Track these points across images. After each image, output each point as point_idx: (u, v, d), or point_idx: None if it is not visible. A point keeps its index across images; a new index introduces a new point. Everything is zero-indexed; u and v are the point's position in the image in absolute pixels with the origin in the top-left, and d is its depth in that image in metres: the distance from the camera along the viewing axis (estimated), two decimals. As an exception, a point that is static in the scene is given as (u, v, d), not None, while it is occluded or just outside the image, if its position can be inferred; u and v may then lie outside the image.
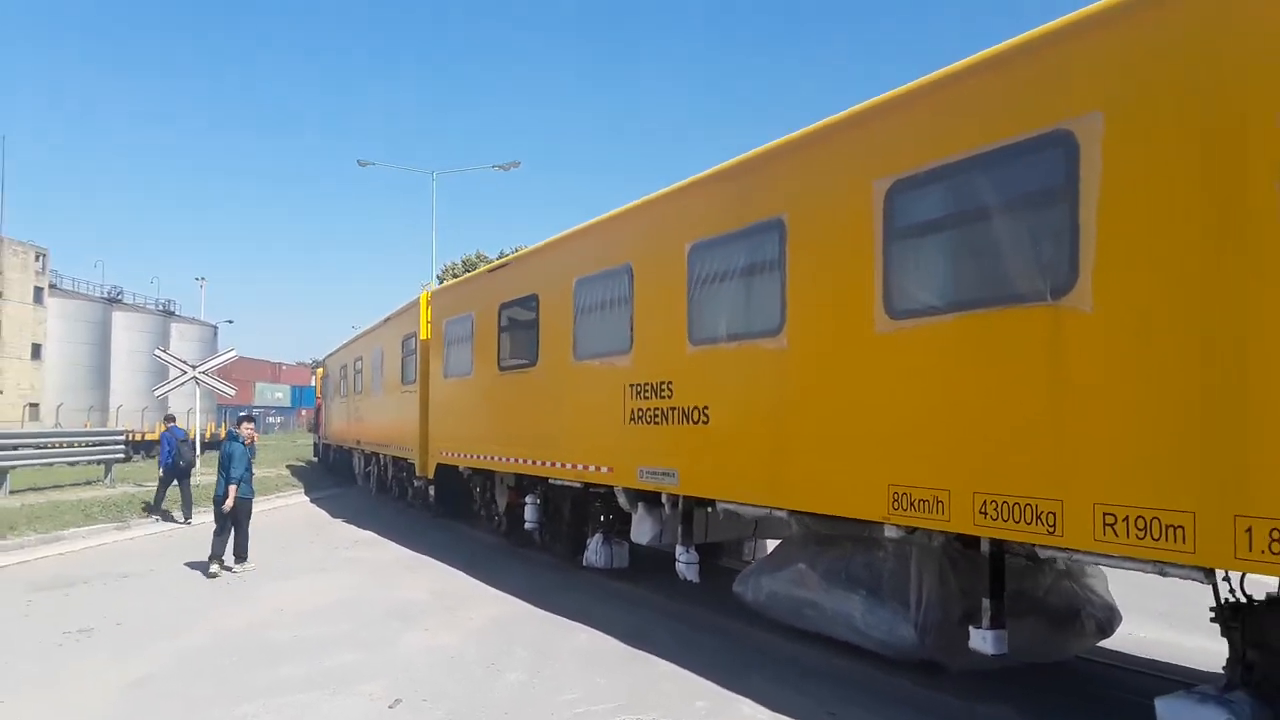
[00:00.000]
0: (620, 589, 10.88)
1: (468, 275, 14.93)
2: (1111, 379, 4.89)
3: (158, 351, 24.82)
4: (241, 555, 12.42)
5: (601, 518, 11.11)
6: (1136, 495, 4.72)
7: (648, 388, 9.07)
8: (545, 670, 7.58)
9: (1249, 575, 4.73)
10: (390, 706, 6.60)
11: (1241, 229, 4.32)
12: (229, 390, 24.14)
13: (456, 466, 14.87)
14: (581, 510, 11.56)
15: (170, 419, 19.49)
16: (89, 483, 23.70)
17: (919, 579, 6.90)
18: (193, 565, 12.67)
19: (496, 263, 13.79)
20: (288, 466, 35.17)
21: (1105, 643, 7.74)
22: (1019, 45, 5.53)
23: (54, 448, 23.78)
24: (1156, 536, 4.62)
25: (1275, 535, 4.14)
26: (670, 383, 8.74)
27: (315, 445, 39.35)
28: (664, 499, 9.15)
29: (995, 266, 5.59)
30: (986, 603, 5.95)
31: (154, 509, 18.36)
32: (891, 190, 6.28)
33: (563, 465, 10.83)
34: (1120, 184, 4.87)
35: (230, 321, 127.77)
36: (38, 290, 52.90)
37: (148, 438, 41.41)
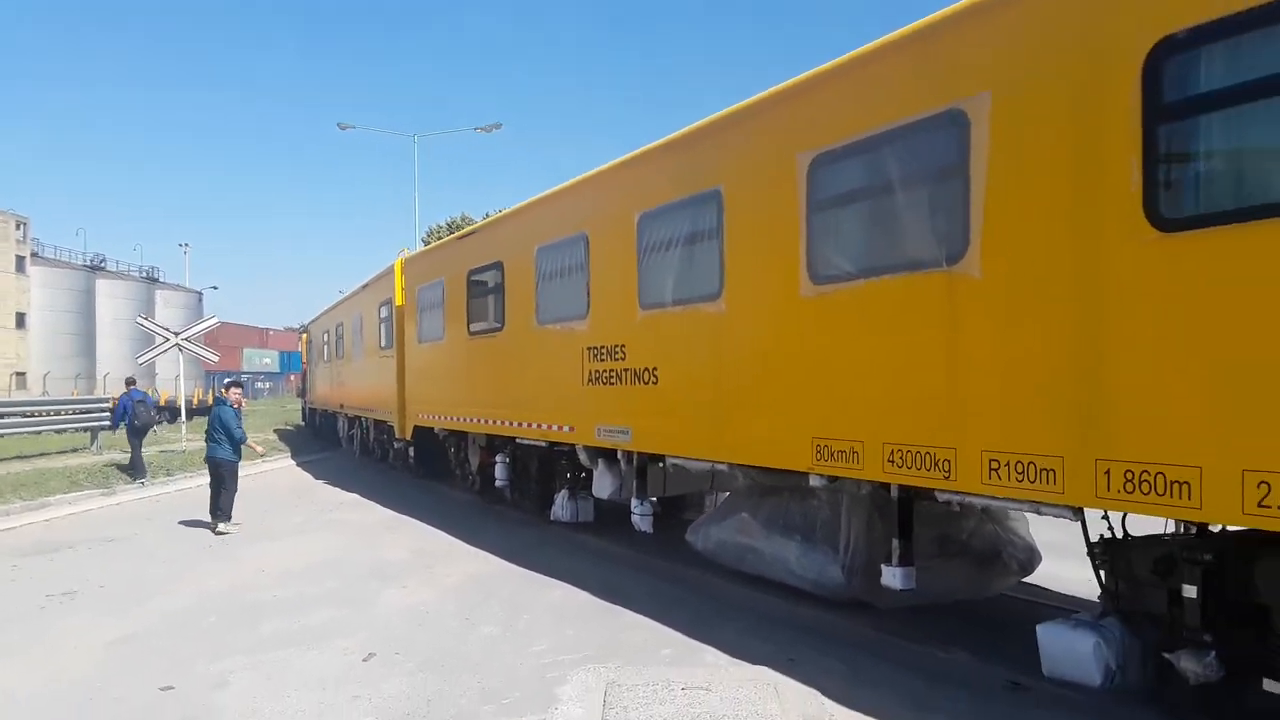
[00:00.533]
0: (595, 545, 11.16)
1: (438, 243, 15.36)
2: (996, 338, 5.41)
3: (140, 319, 25.19)
4: (225, 515, 13.00)
5: (567, 475, 11.67)
6: (1016, 442, 5.26)
7: (603, 350, 9.58)
8: (518, 624, 7.80)
9: (1130, 515, 5.28)
10: (364, 660, 6.83)
11: (1101, 207, 4.81)
12: (211, 356, 24.56)
13: (432, 428, 15.42)
14: (548, 468, 12.14)
15: (130, 381, 20.35)
16: (75, 450, 24.11)
17: (848, 525, 7.46)
18: (178, 528, 13.13)
19: (464, 230, 14.23)
20: (275, 431, 35.64)
21: (1032, 579, 8.32)
22: (921, 27, 5.98)
23: (40, 416, 24.21)
24: (1033, 479, 5.17)
25: (1128, 476, 4.68)
26: (623, 346, 9.25)
27: (302, 410, 39.83)
28: (620, 455, 9.70)
29: (901, 235, 6.08)
30: (896, 543, 6.52)
31: (137, 472, 18.85)
32: (813, 163, 6.75)
33: (529, 425, 11.37)
34: (1004, 160, 5.35)
35: (215, 288, 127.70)
36: (19, 259, 53.00)
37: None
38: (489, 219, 13.14)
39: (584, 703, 5.79)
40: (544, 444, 11.41)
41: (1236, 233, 4.26)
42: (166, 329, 24.38)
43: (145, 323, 24.28)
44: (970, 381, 5.56)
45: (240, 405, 13.66)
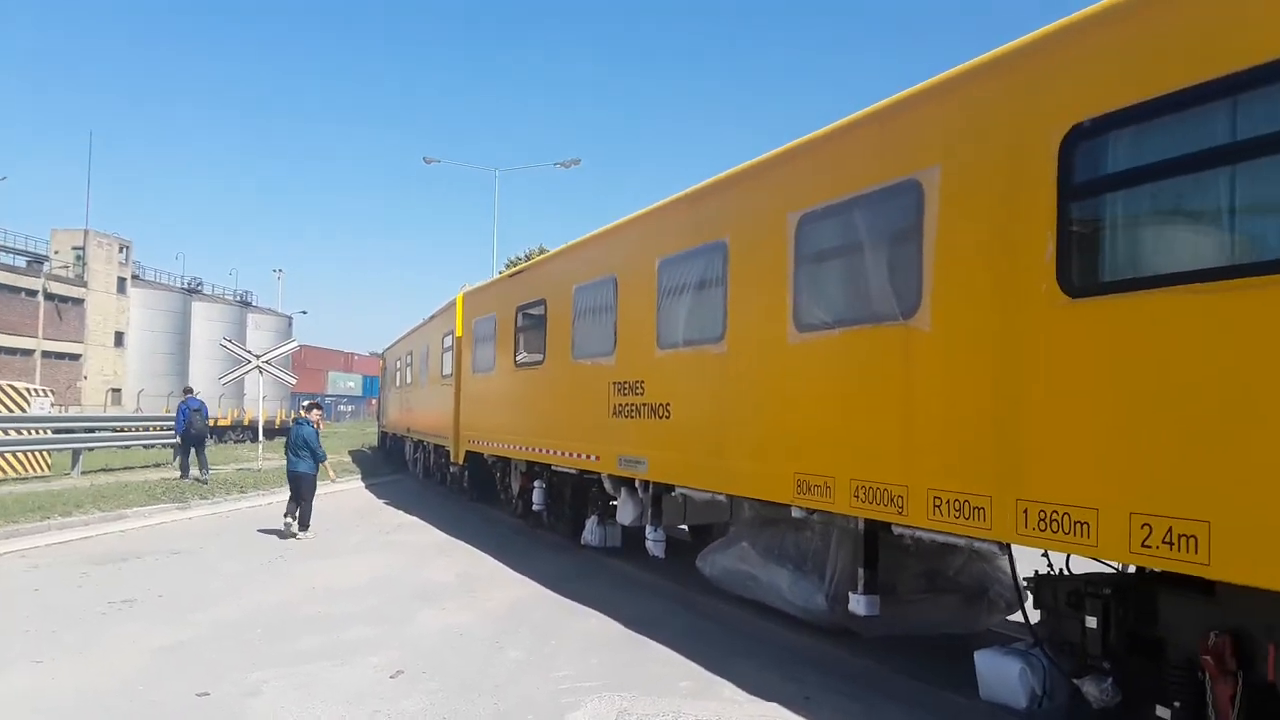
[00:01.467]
0: (637, 576, 11.43)
1: (494, 279, 16.39)
2: (940, 386, 6.01)
3: (223, 341, 26.92)
4: (304, 524, 14.49)
5: (597, 502, 12.44)
6: (954, 482, 5.84)
7: (626, 385, 10.35)
8: (545, 650, 8.01)
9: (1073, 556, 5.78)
10: (391, 677, 7.12)
11: (1023, 273, 5.40)
12: (290, 379, 26.11)
13: (482, 454, 16.37)
14: (581, 494, 12.92)
15: (188, 390, 22.44)
16: (158, 465, 25.75)
17: (834, 556, 8.03)
18: (242, 543, 13.86)
19: (516, 269, 15.21)
20: (350, 453, 37.23)
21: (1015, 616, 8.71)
22: (886, 105, 6.66)
23: (128, 431, 25.96)
24: (967, 516, 5.73)
25: (1041, 515, 5.23)
26: (642, 382, 10.00)
27: (379, 434, 41.49)
28: (638, 484, 10.42)
29: (869, 290, 6.72)
30: (861, 571, 7.10)
31: (182, 474, 20.85)
32: (800, 222, 7.44)
33: (562, 454, 12.18)
34: (950, 225, 5.98)
35: (304, 312, 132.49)
36: (121, 280, 56.40)
37: (219, 424, 43.84)
38: (538, 258, 14.08)
39: None
40: (575, 471, 12.21)
41: (1130, 300, 4.83)
42: (249, 351, 25.98)
43: (229, 345, 25.94)
44: (920, 425, 6.16)
45: (319, 426, 14.94)
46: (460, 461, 17.95)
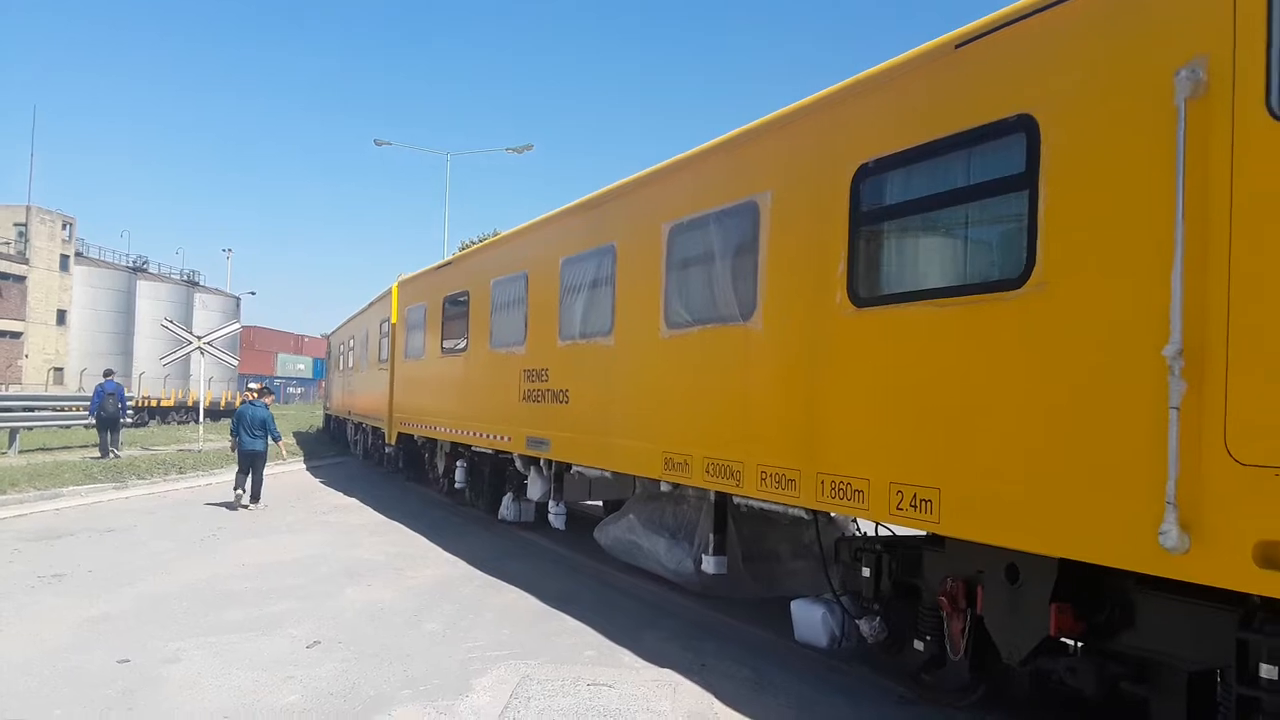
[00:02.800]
0: (568, 557, 11.94)
1: (424, 270, 17.43)
2: (768, 379, 7.22)
3: (164, 321, 27.56)
4: (256, 497, 15.74)
5: (513, 480, 13.59)
6: (776, 459, 7.05)
7: (534, 373, 11.50)
8: (462, 624, 8.37)
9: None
10: (308, 647, 7.48)
11: (825, 285, 6.61)
12: (232, 360, 26.97)
13: (412, 435, 17.46)
14: (498, 473, 14.07)
15: (107, 373, 23.66)
16: (96, 445, 26.32)
17: (702, 525, 9.25)
18: (176, 522, 14.23)
19: (443, 261, 16.27)
20: (295, 434, 37.84)
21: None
22: (738, 134, 7.85)
23: (68, 411, 26.57)
24: (783, 487, 6.96)
25: (833, 485, 6.45)
26: (547, 370, 11.16)
27: (324, 416, 42.25)
28: (543, 463, 11.59)
29: (719, 294, 7.91)
30: (711, 537, 8.33)
31: (101, 454, 22.10)
32: (671, 232, 8.62)
33: (481, 435, 13.32)
34: (778, 242, 7.18)
35: (253, 293, 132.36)
36: (64, 258, 56.24)
37: (163, 404, 44.29)
38: (462, 252, 15.16)
39: (493, 692, 6.46)
40: (492, 452, 13.35)
41: (893, 311, 6.06)
42: (190, 332, 26.72)
43: (170, 325, 26.62)
44: (754, 411, 7.37)
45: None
46: (393, 442, 19.04)
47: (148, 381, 48.08)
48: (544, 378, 11.22)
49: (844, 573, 7.05)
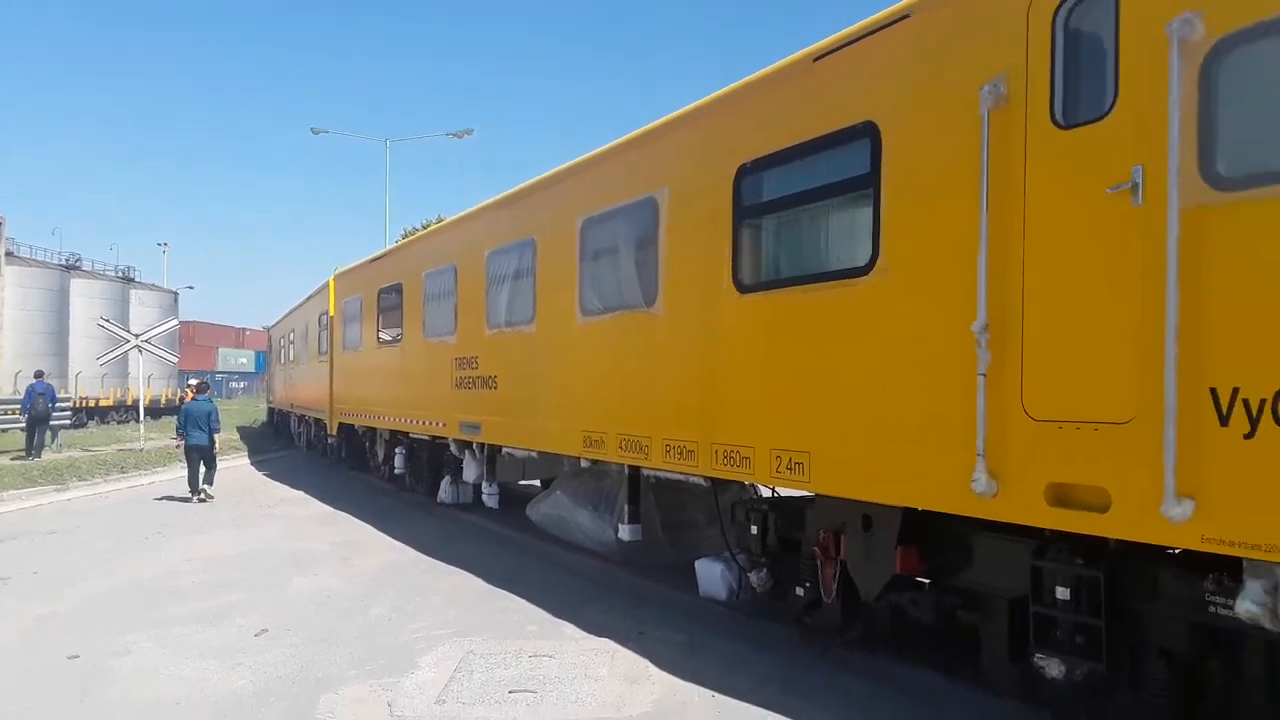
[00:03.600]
0: (514, 538, 12.18)
1: (359, 263, 17.95)
2: (670, 359, 7.98)
3: (101, 320, 27.69)
4: (209, 483, 16.60)
5: (450, 464, 14.27)
6: (679, 433, 7.82)
7: (465, 361, 12.17)
8: (408, 607, 8.63)
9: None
10: (256, 635, 7.71)
11: (716, 274, 7.37)
12: (171, 357, 27.15)
13: (353, 425, 18.04)
14: (436, 458, 14.74)
15: (38, 374, 24.10)
16: (26, 445, 26.16)
17: (621, 497, 10.00)
18: (120, 522, 14.30)
19: (377, 254, 16.82)
20: (238, 429, 38.00)
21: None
22: (641, 134, 8.58)
23: (3, 415, 26.49)
24: (684, 457, 7.73)
25: (726, 454, 7.22)
26: (477, 357, 11.84)
27: (268, 409, 42.38)
28: (475, 447, 12.28)
29: (626, 283, 8.66)
30: (626, 507, 9.10)
31: (32, 454, 22.47)
32: (584, 225, 9.34)
33: (418, 422, 13.98)
34: (674, 234, 7.94)
35: (191, 287, 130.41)
36: (-7, 258, 55.36)
37: (102, 404, 44.03)
38: (396, 244, 15.75)
39: (438, 668, 6.75)
40: (429, 438, 14.01)
41: (770, 296, 6.85)
42: (127, 330, 26.86)
43: (106, 324, 26.75)
44: (658, 389, 8.13)
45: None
46: (335, 433, 19.59)
47: (85, 381, 47.57)
48: (474, 365, 11.90)
49: (738, 532, 7.86)
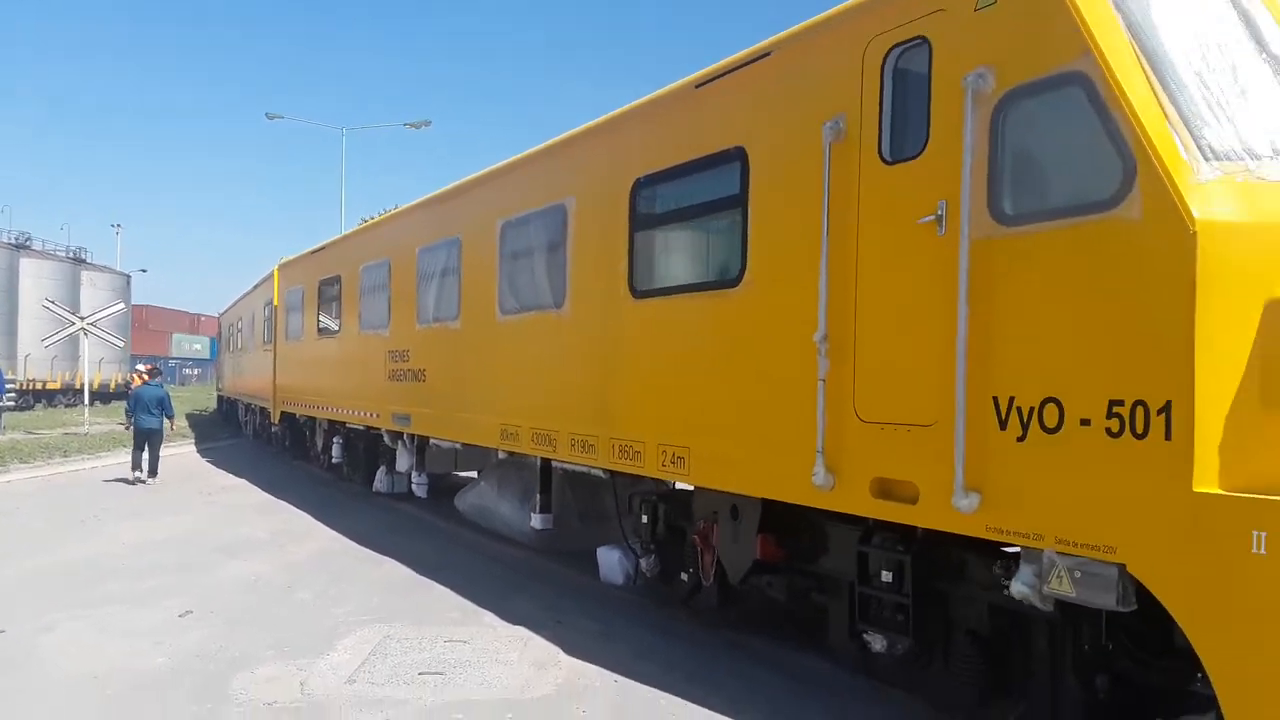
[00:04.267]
0: (449, 530, 12.66)
1: (302, 254, 18.43)
2: (575, 358, 8.63)
3: (45, 302, 27.92)
4: (153, 472, 17.18)
5: (385, 454, 14.86)
6: (582, 428, 8.46)
7: (397, 354, 12.76)
8: (333, 592, 8.95)
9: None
10: (180, 616, 8.03)
11: (614, 279, 8.01)
12: (117, 342, 27.50)
13: (295, 414, 18.55)
14: (372, 448, 15.32)
15: None
16: None
17: (533, 488, 10.59)
18: (59, 504, 14.76)
19: (318, 246, 17.31)
20: (187, 416, 38.17)
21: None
22: (554, 144, 9.21)
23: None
24: (586, 451, 8.38)
25: (621, 449, 7.87)
26: (408, 351, 12.42)
27: (218, 398, 42.58)
28: (406, 437, 12.88)
29: (539, 285, 9.29)
30: (537, 497, 9.75)
31: None
32: (503, 228, 9.96)
33: (354, 412, 14.55)
34: (579, 241, 8.58)
35: (144, 271, 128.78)
36: (-62, 236, 54.83)
37: (49, 387, 43.96)
38: (336, 238, 16.27)
39: (354, 650, 7.04)
40: (364, 428, 14.59)
41: (658, 302, 7.50)
42: (74, 313, 27.10)
43: (51, 305, 26.99)
44: (566, 386, 8.77)
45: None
46: (277, 422, 20.10)
47: (34, 364, 47.37)
48: (405, 358, 12.48)
49: (634, 521, 8.54)
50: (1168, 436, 4.08)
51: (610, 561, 8.77)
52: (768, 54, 6.40)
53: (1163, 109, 4.23)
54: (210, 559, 10.56)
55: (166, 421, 17.38)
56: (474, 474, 14.73)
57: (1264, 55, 4.39)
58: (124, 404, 17.63)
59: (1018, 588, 4.82)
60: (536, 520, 9.73)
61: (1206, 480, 3.99)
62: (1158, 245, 4.14)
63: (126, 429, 17.25)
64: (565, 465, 9.01)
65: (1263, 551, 3.78)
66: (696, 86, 7.10)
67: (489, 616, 8.16)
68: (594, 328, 8.32)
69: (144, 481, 16.92)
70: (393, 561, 10.49)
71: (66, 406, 45.22)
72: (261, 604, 8.58)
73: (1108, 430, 4.31)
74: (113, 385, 49.15)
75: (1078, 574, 4.52)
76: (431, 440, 12.20)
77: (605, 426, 8.09)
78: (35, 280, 56.84)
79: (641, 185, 7.70)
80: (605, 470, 8.45)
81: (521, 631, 7.66)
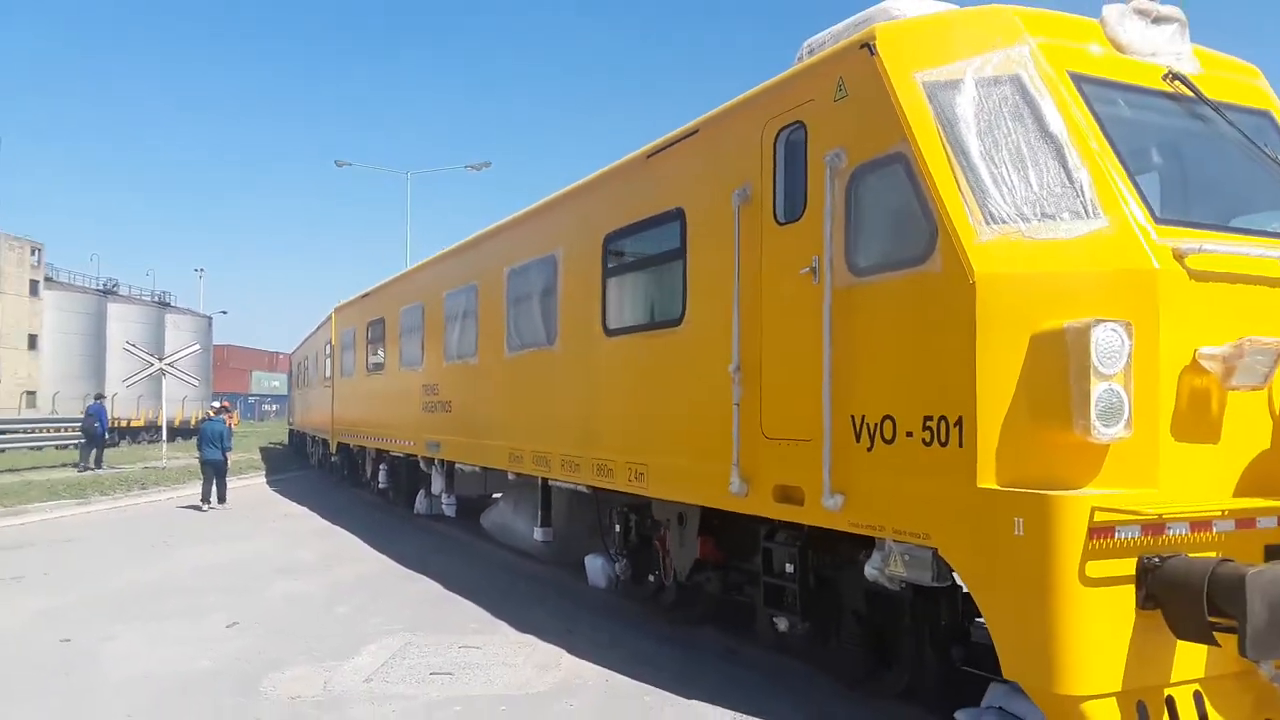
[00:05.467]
0: (481, 550, 13.69)
1: (354, 298, 20.14)
2: (564, 389, 9.91)
3: (126, 345, 30.12)
4: (221, 499, 19.00)
5: (423, 479, 16.33)
6: (570, 449, 9.69)
7: (429, 388, 14.23)
8: (370, 608, 9.73)
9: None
10: (227, 627, 8.96)
11: (592, 320, 9.27)
12: (193, 381, 29.56)
13: (348, 444, 20.22)
14: (412, 473, 16.81)
15: (99, 396, 27.82)
16: (65, 465, 28.49)
17: (539, 505, 11.82)
18: (134, 532, 15.80)
19: (366, 291, 18.98)
20: (260, 449, 40.43)
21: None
22: (546, 203, 10.58)
23: (37, 433, 28.92)
24: (572, 470, 9.60)
25: (600, 467, 9.09)
26: (438, 385, 13.88)
27: (289, 432, 44.87)
28: (438, 462, 14.32)
29: (537, 325, 10.62)
30: (539, 513, 11.03)
31: (80, 467, 25.87)
32: (509, 275, 11.34)
33: (396, 441, 16.08)
34: (568, 286, 9.90)
35: (224, 312, 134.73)
36: (34, 283, 58.61)
37: (134, 424, 46.67)
38: (380, 283, 17.93)
39: (376, 655, 7.87)
40: (404, 455, 16.09)
41: (624, 339, 8.77)
42: (152, 354, 29.32)
43: (132, 349, 29.21)
44: (558, 413, 10.06)
45: (233, 423, 18.93)
46: (335, 452, 21.84)
47: (120, 403, 50.14)
48: (436, 391, 13.94)
49: (610, 531, 9.78)
50: (960, 444, 5.19)
51: (595, 568, 10.02)
52: (696, 131, 7.69)
53: (957, 184, 5.38)
54: (263, 579, 11.51)
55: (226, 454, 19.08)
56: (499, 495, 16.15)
57: (1044, 136, 5.49)
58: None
59: (869, 571, 5.95)
60: (538, 533, 11.01)
61: (987, 478, 5.09)
62: (950, 294, 5.28)
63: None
64: (559, 483, 10.27)
65: (1022, 533, 4.87)
66: (648, 156, 8.41)
67: (504, 626, 9.00)
68: (578, 362, 9.62)
69: (214, 509, 18.57)
70: (427, 580, 11.43)
71: (150, 442, 47.92)
72: (302, 617, 9.49)
73: (923, 440, 5.44)
74: (193, 421, 51.86)
75: (906, 557, 5.65)
76: (457, 465, 13.61)
77: (588, 448, 9.34)
78: (122, 324, 60.25)
79: (611, 239, 9.00)
80: (588, 486, 9.68)
81: (531, 639, 8.46)
